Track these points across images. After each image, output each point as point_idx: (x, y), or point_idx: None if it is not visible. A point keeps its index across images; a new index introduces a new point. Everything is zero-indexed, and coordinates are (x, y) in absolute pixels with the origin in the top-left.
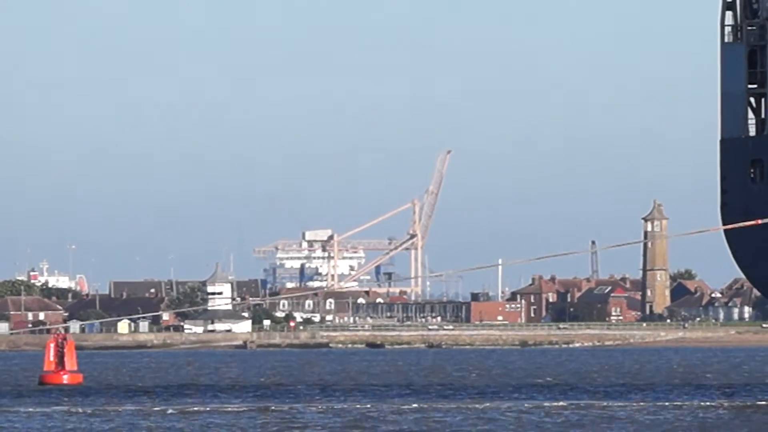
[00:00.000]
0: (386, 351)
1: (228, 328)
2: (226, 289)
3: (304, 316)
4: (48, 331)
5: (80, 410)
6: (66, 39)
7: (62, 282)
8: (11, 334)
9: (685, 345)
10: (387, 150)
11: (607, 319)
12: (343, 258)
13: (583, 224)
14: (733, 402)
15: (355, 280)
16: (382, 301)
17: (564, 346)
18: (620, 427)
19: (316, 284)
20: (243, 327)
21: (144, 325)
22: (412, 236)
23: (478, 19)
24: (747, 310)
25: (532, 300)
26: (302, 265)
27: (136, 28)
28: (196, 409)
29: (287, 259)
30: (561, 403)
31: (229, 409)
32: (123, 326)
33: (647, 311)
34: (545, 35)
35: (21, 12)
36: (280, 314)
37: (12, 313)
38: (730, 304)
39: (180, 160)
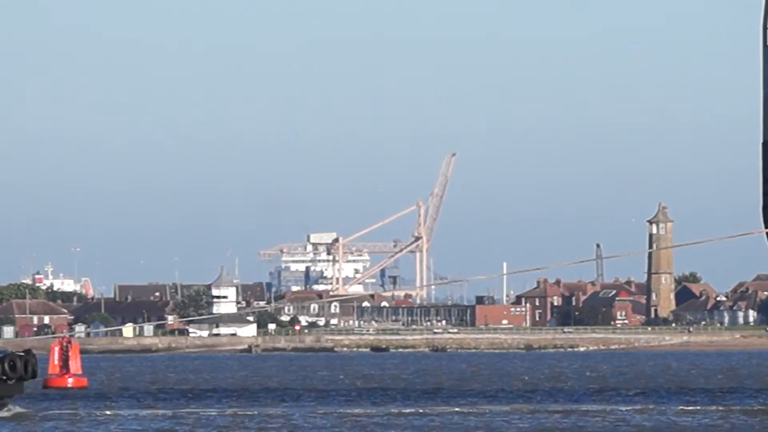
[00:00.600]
0: (391, 354)
1: (233, 332)
2: (231, 292)
3: (309, 319)
4: (53, 334)
5: (87, 414)
6: (72, 37)
7: (67, 285)
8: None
9: (689, 349)
10: (392, 152)
11: (612, 322)
12: (348, 261)
13: (587, 227)
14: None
15: (360, 283)
16: (387, 304)
17: (569, 349)
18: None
19: (321, 287)
20: (248, 331)
21: (149, 329)
22: (417, 239)
23: (482, 19)
24: (752, 314)
25: (537, 303)
26: (307, 268)
27: (141, 27)
28: (200, 412)
29: (292, 262)
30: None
31: (229, 412)
32: (128, 330)
33: (652, 315)
34: (552, 38)
35: (28, 8)
36: (285, 318)
37: (17, 316)
38: (735, 308)
39: (185, 163)
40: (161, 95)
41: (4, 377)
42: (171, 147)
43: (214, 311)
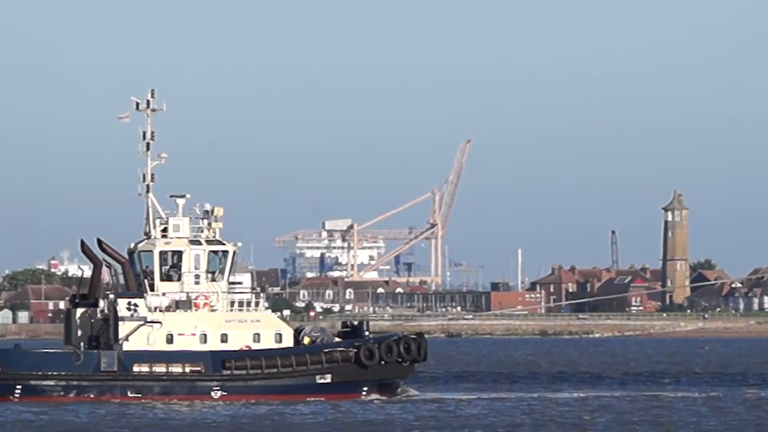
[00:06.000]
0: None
1: None
2: (246, 278)
3: (324, 306)
4: None
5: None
6: (91, 32)
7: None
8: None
9: (704, 336)
10: (407, 140)
11: (626, 309)
12: (363, 248)
13: (602, 214)
14: None
15: (374, 270)
16: (402, 290)
17: (584, 336)
18: None
19: (336, 274)
20: None
21: None
22: (432, 226)
23: (500, 9)
24: (767, 301)
25: (552, 290)
26: (322, 255)
27: (160, 19)
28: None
29: (307, 248)
30: None
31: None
32: None
33: (667, 301)
34: (566, 27)
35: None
36: (300, 304)
37: (32, 301)
38: (750, 294)
39: (198, 150)
40: (176, 85)
41: (399, 359)
42: (184, 133)
43: None
